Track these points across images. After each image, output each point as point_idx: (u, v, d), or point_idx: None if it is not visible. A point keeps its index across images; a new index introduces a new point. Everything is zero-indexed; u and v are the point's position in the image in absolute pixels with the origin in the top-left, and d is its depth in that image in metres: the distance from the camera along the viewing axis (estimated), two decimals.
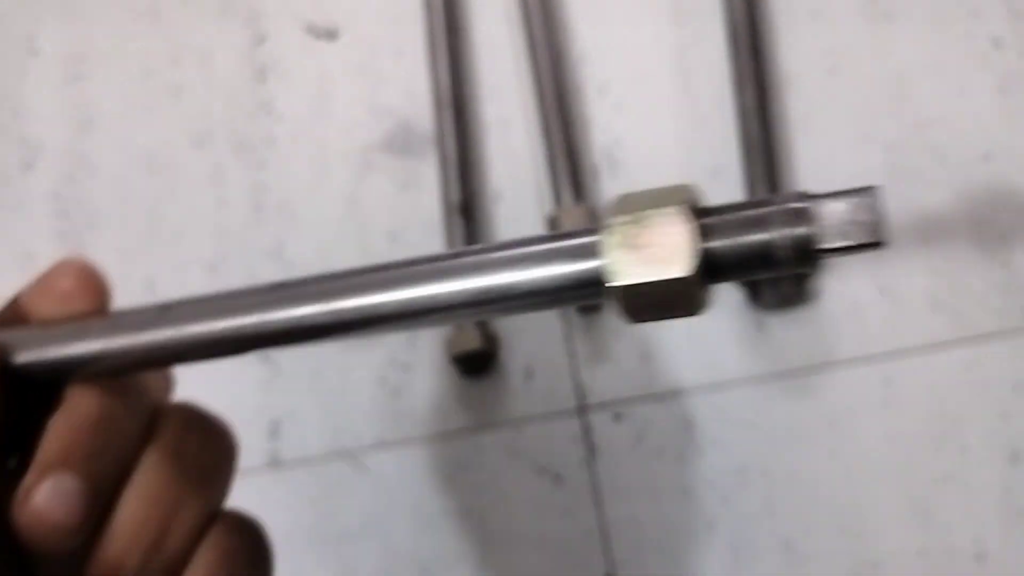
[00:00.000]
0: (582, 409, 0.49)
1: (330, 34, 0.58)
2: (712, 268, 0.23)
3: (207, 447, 0.29)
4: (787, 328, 0.49)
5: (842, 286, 0.49)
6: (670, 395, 0.48)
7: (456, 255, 0.26)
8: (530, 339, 0.50)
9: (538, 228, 0.52)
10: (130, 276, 0.54)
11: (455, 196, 0.52)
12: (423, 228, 0.53)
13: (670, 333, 0.49)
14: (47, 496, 0.26)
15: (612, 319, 0.50)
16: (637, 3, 0.55)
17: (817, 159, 0.51)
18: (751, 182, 0.50)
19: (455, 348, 0.48)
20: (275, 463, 0.50)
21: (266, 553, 0.31)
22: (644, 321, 0.24)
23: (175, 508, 0.28)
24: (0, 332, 0.29)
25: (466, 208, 0.52)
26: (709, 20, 0.54)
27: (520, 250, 0.25)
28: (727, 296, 0.49)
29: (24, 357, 0.28)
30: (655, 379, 0.49)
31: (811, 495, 0.46)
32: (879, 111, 0.52)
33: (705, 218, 0.23)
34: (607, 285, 0.23)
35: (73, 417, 0.27)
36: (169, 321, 0.27)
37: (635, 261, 0.23)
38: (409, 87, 0.56)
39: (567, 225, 0.49)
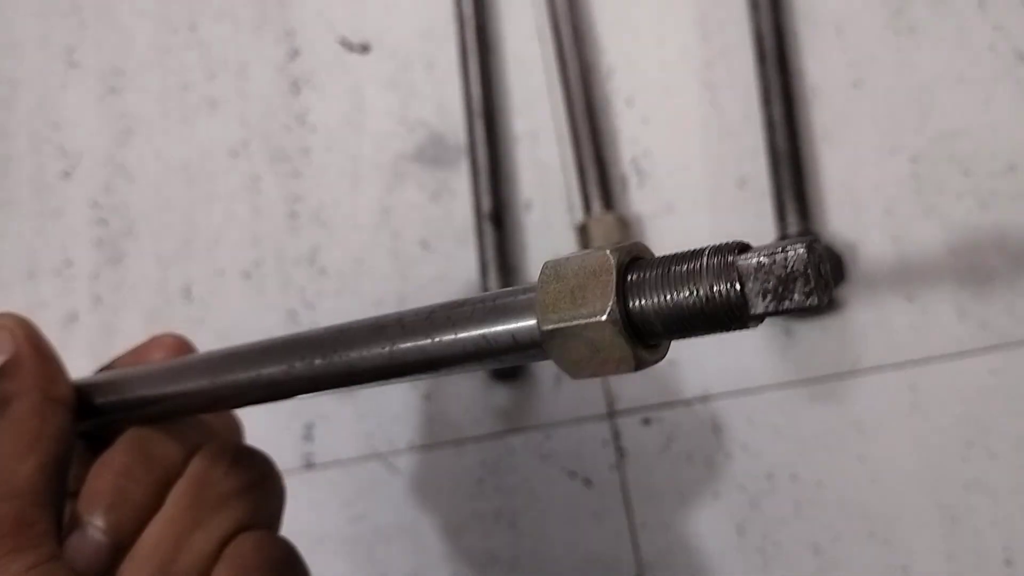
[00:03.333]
0: (612, 413, 0.49)
1: (363, 48, 0.59)
2: (637, 326, 0.22)
3: (231, 476, 0.31)
4: (815, 335, 0.49)
5: (869, 294, 0.49)
6: (699, 400, 0.49)
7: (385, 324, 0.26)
8: None
9: (567, 236, 0.52)
10: (167, 283, 0.55)
11: (486, 205, 0.53)
12: (455, 236, 0.54)
13: (699, 339, 0.50)
14: (73, 545, 0.29)
15: None
16: (664, 17, 0.56)
17: (843, 170, 0.52)
18: (778, 193, 0.51)
19: None
20: (309, 465, 0.51)
21: (291, 571, 0.32)
22: (584, 376, 0.23)
23: (189, 530, 0.30)
24: (82, 379, 0.33)
25: (497, 217, 0.53)
26: (735, 34, 0.55)
27: (457, 311, 0.25)
28: None
29: (100, 400, 0.32)
30: (684, 384, 0.49)
31: (839, 500, 0.47)
32: (904, 123, 0.52)
33: (632, 274, 0.22)
34: (540, 341, 0.23)
35: (103, 467, 0.31)
36: (211, 371, 0.30)
37: (563, 318, 0.22)
38: (440, 99, 0.57)
39: (596, 233, 0.50)
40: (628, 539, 0.47)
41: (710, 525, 0.47)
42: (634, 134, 0.54)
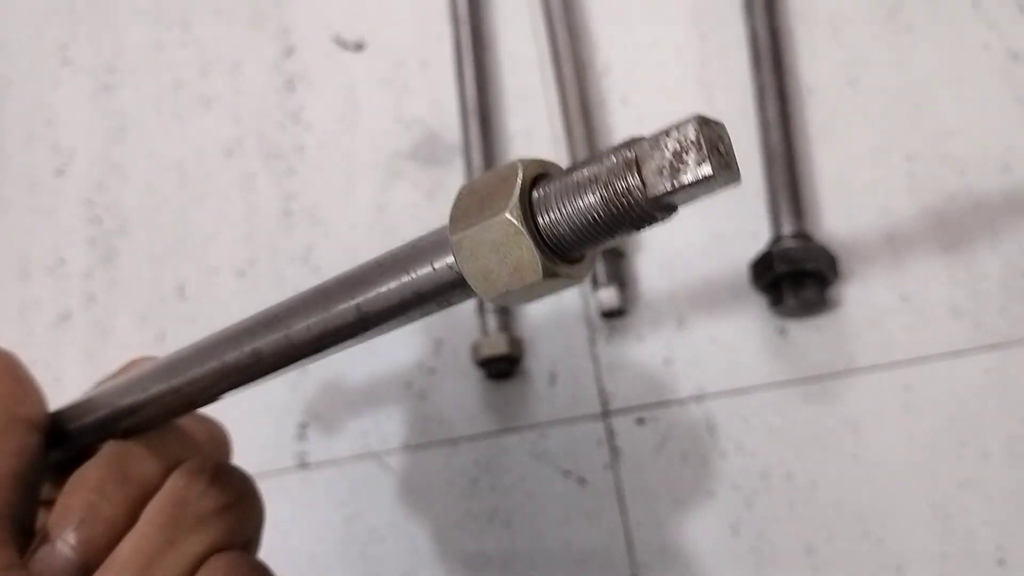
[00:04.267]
0: (606, 413, 0.49)
1: (357, 46, 0.59)
2: (548, 239, 0.22)
3: (207, 495, 0.31)
4: (809, 334, 0.49)
5: (864, 293, 0.49)
6: (693, 400, 0.49)
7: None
8: (554, 344, 0.51)
9: None
10: (161, 281, 0.55)
11: None
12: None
13: (693, 339, 0.50)
14: (42, 560, 0.29)
15: (635, 324, 0.51)
16: (660, 16, 0.56)
17: (838, 170, 0.52)
18: (772, 192, 0.51)
19: (481, 352, 0.49)
20: (303, 465, 0.51)
21: None
22: (500, 296, 0.23)
23: (161, 550, 0.29)
24: (63, 408, 0.33)
25: None
26: (731, 33, 0.55)
27: (375, 263, 0.25)
28: (749, 302, 0.50)
29: (74, 425, 0.32)
30: (678, 384, 0.49)
31: (834, 499, 0.47)
32: (899, 122, 0.52)
33: (539, 188, 0.22)
34: (460, 274, 0.23)
35: (76, 483, 0.30)
36: (175, 371, 0.30)
37: (479, 248, 0.22)
38: (435, 98, 0.57)
39: None
40: (622, 538, 0.47)
41: (704, 524, 0.47)
42: (629, 133, 0.54)
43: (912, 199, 0.51)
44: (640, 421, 0.49)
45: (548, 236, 0.22)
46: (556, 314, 0.51)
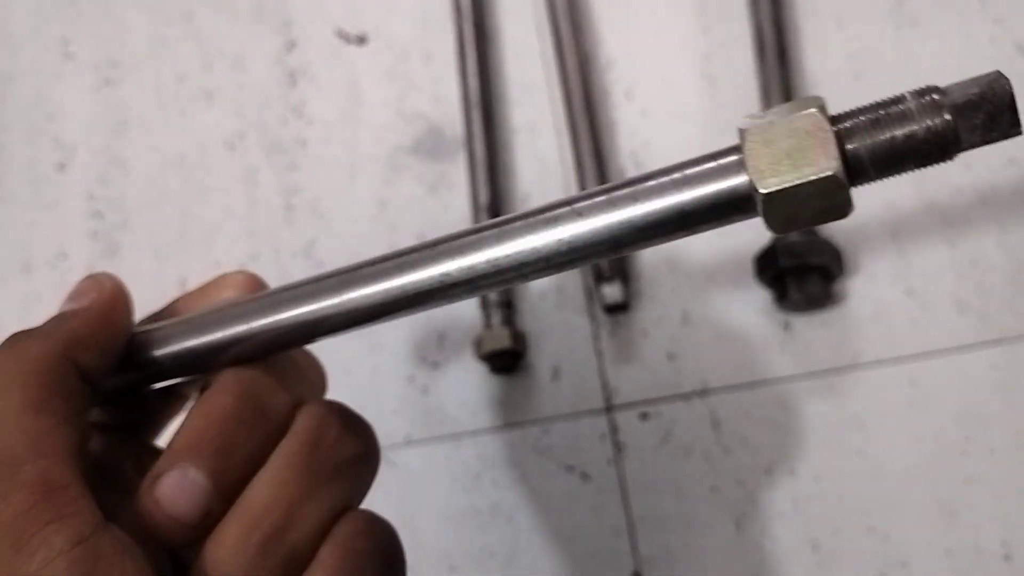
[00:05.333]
0: (609, 408, 0.49)
1: (360, 39, 0.58)
2: (857, 167, 0.24)
3: (343, 443, 0.28)
4: (814, 329, 0.49)
5: (869, 288, 0.49)
6: (697, 395, 0.49)
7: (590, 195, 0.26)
8: (557, 338, 0.50)
9: None
10: (163, 276, 0.55)
11: (484, 198, 0.52)
12: (452, 229, 0.53)
13: (697, 333, 0.50)
14: (171, 485, 0.26)
15: (639, 318, 0.50)
16: (664, 9, 0.56)
17: None
18: None
19: (484, 347, 0.49)
20: None
21: (396, 560, 0.29)
22: (793, 229, 0.24)
23: (302, 499, 0.27)
24: (144, 327, 0.30)
25: (495, 209, 0.52)
26: (735, 25, 0.54)
27: (663, 179, 0.25)
28: (754, 297, 0.50)
29: (165, 349, 0.29)
30: (682, 378, 0.49)
31: (838, 495, 0.47)
32: None
33: (842, 123, 0.24)
34: (756, 197, 0.24)
35: (208, 409, 0.27)
36: (300, 299, 0.28)
37: (780, 168, 0.24)
38: (438, 91, 0.56)
39: None
40: (626, 533, 0.47)
41: (708, 520, 0.47)
42: (633, 126, 0.54)
43: (917, 193, 0.50)
44: (644, 416, 0.49)
45: (852, 169, 0.24)
46: (559, 308, 0.51)
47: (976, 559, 0.45)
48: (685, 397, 0.49)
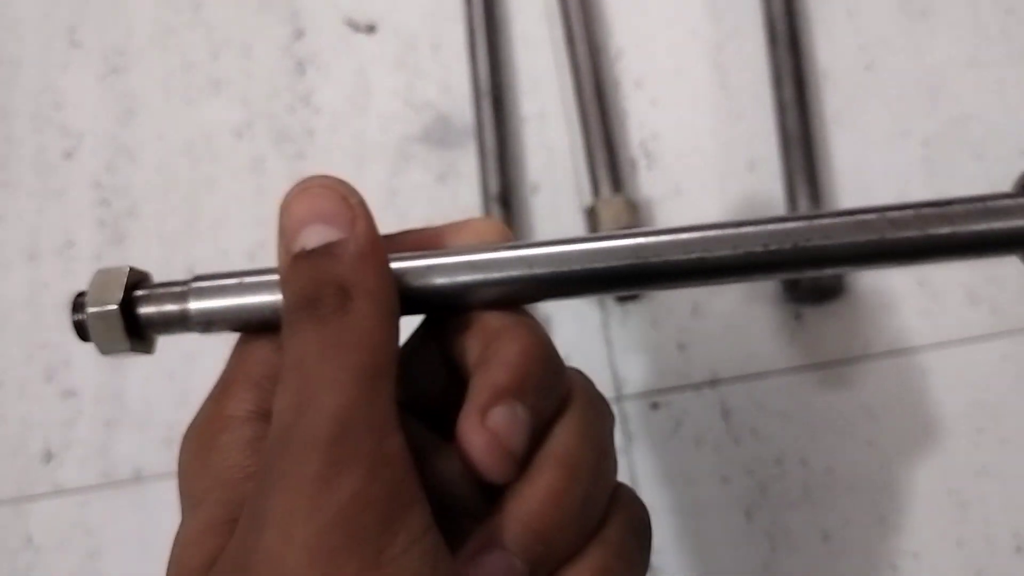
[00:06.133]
0: (619, 397, 0.49)
1: (369, 28, 0.58)
2: None
3: (610, 417, 0.27)
4: (825, 320, 0.49)
5: (880, 278, 0.49)
6: (707, 385, 0.49)
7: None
8: (568, 328, 0.50)
9: (575, 219, 0.52)
10: (169, 264, 0.55)
11: (493, 187, 0.52)
12: (460, 218, 0.53)
13: (707, 324, 0.49)
14: (504, 418, 0.24)
15: (649, 308, 0.50)
16: None
17: (854, 154, 0.51)
18: (789, 176, 0.50)
19: None
20: None
21: (651, 536, 0.28)
22: None
23: (598, 460, 0.25)
24: (398, 257, 0.27)
25: (504, 199, 0.52)
26: (746, 16, 0.54)
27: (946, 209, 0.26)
28: (764, 287, 0.49)
29: (428, 282, 0.27)
30: (692, 369, 0.49)
31: (849, 485, 0.46)
32: (916, 106, 0.52)
33: None
34: None
35: (526, 348, 0.25)
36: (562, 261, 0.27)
37: None
38: (447, 80, 0.56)
39: (605, 216, 0.50)
40: None
41: (718, 510, 0.47)
42: (643, 116, 0.54)
43: (929, 184, 0.50)
44: (654, 406, 0.49)
45: None
46: None
47: (988, 550, 0.45)
48: (695, 387, 0.49)
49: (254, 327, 0.27)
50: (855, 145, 0.52)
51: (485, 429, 0.24)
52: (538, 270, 0.27)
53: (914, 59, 0.53)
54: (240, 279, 0.27)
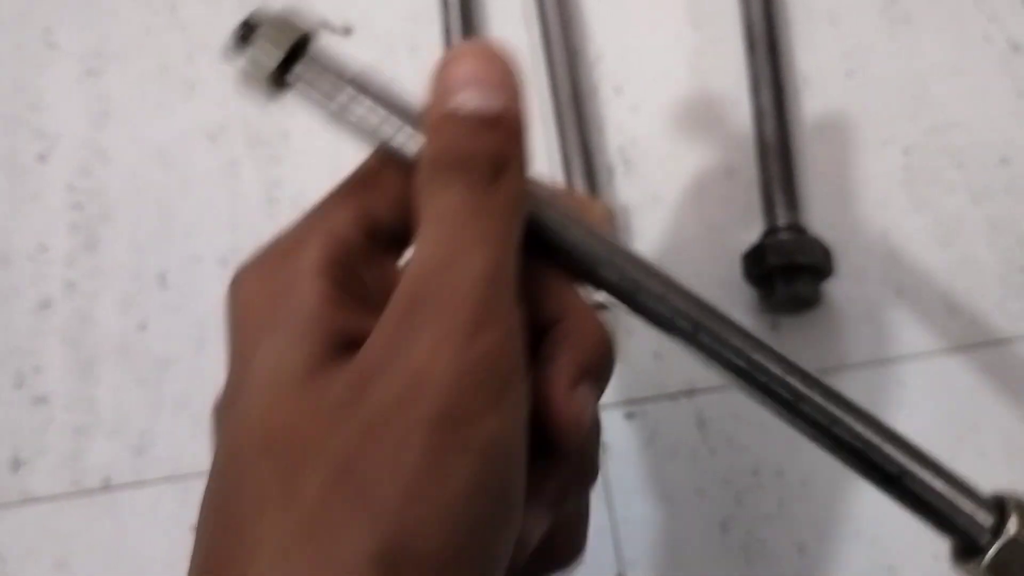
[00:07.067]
0: None
1: (345, 30, 0.58)
2: None
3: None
4: (802, 329, 0.48)
5: (859, 287, 0.48)
6: (683, 394, 0.48)
7: None
8: None
9: None
10: (142, 269, 0.54)
11: None
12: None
13: None
14: (586, 398, 0.26)
15: (623, 317, 0.49)
16: (654, 3, 0.55)
17: (834, 161, 0.51)
18: (766, 184, 0.50)
19: None
20: None
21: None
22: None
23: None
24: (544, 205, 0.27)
25: None
26: (726, 22, 0.54)
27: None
28: (741, 296, 0.49)
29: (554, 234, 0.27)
30: (668, 378, 0.48)
31: (826, 497, 0.46)
32: (897, 114, 0.51)
33: None
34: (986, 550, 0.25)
35: (608, 338, 0.28)
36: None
37: None
38: (424, 84, 0.55)
39: None
40: (609, 535, 0.46)
41: (693, 521, 0.46)
42: (622, 122, 0.53)
43: (909, 192, 0.50)
44: (629, 415, 0.48)
45: None
46: None
47: None
48: (671, 397, 0.48)
49: (373, 147, 0.29)
50: (835, 153, 0.51)
51: (575, 401, 0.26)
52: (703, 323, 0.29)
53: (896, 66, 0.52)
54: (389, 111, 0.28)
